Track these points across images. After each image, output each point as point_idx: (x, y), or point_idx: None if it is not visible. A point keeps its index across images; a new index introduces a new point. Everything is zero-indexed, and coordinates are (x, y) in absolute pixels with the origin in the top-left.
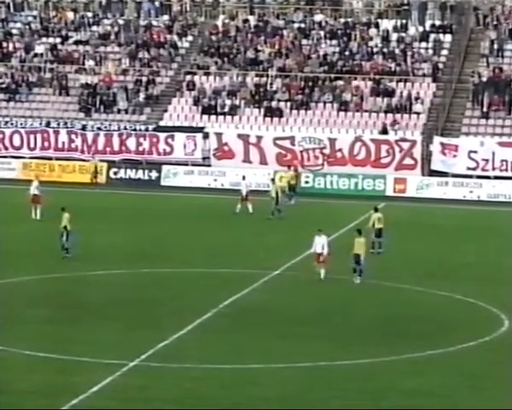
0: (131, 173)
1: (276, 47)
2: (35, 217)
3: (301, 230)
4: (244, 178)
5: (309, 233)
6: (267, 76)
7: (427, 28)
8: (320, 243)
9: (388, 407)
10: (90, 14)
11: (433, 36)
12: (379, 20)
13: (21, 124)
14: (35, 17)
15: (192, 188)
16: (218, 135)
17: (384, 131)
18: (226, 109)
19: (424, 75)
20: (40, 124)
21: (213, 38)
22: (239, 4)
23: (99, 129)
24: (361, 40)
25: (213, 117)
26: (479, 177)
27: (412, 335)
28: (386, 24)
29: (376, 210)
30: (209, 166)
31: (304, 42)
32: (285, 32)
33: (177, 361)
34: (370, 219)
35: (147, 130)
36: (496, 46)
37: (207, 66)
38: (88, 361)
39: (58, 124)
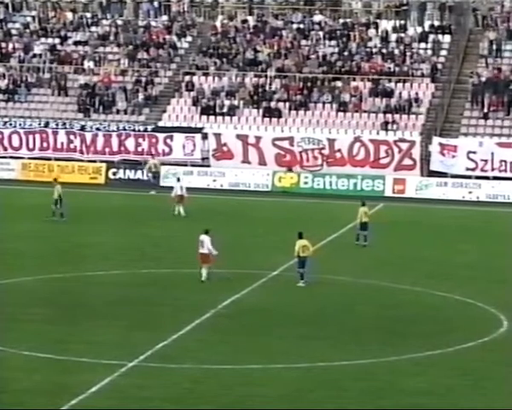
0: (130, 174)
1: (275, 47)
2: None
3: (299, 230)
4: (179, 179)
5: (308, 234)
6: (266, 76)
7: (426, 29)
8: (205, 243)
9: (387, 406)
10: (88, 15)
11: (432, 36)
12: (378, 21)
13: (20, 124)
14: (34, 17)
15: (191, 188)
16: (217, 135)
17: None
18: (225, 110)
19: (423, 76)
20: (39, 124)
21: (212, 38)
22: (238, 5)
23: (98, 129)
24: (360, 41)
25: (212, 117)
26: (478, 177)
27: (411, 335)
28: (385, 24)
29: (363, 204)
30: (208, 166)
31: (303, 42)
32: (284, 33)
33: (176, 362)
34: (358, 213)
35: (146, 130)
36: (495, 47)
37: (206, 66)
38: (87, 362)
39: (57, 124)
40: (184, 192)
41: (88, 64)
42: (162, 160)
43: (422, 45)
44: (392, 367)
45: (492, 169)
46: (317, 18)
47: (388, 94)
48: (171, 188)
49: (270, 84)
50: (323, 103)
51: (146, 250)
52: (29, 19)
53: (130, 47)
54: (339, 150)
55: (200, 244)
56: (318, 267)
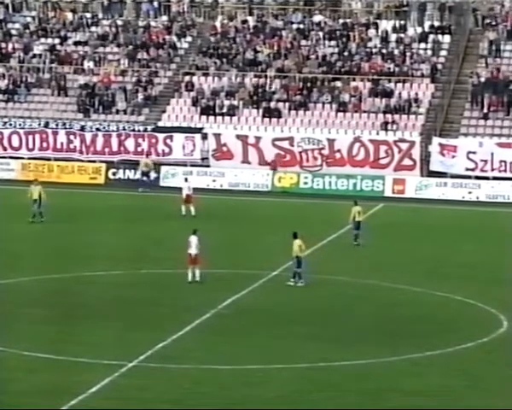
0: (130, 174)
1: (275, 48)
2: None
3: (299, 230)
4: (186, 179)
5: (307, 234)
6: (266, 77)
7: (426, 29)
8: (193, 244)
9: (387, 407)
10: (88, 15)
11: (431, 37)
12: (378, 21)
13: (20, 124)
14: (34, 18)
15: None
16: (217, 136)
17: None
18: (225, 110)
19: (423, 76)
20: (39, 124)
21: (212, 38)
22: (238, 5)
23: (98, 130)
24: (360, 41)
25: (212, 118)
26: (477, 177)
27: (411, 335)
28: (385, 25)
29: (356, 203)
30: (208, 166)
31: (303, 42)
32: (284, 33)
33: (176, 362)
34: (351, 212)
35: (145, 130)
36: (494, 47)
37: (206, 66)
38: (87, 362)
39: (57, 124)
40: (191, 192)
41: (88, 64)
42: (160, 160)
43: (422, 45)
44: (391, 367)
45: (492, 169)
46: (317, 18)
47: (388, 94)
48: (171, 188)
49: (270, 85)
50: (323, 103)
51: (146, 250)
52: (29, 19)
53: (130, 47)
54: (338, 150)
55: (188, 245)
56: (318, 268)
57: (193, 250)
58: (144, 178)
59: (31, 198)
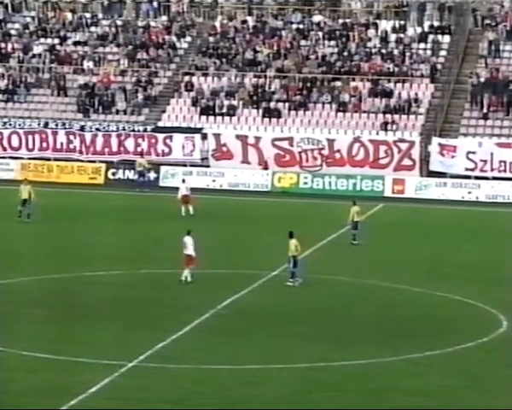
0: (130, 174)
1: (275, 48)
2: None
3: (299, 231)
4: (184, 181)
5: (307, 234)
6: (265, 77)
7: (426, 29)
8: (188, 245)
9: (387, 407)
10: (88, 15)
11: (431, 37)
12: (377, 21)
13: (19, 125)
14: (33, 18)
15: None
16: (217, 136)
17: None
18: (224, 110)
19: (422, 76)
20: (38, 124)
21: (212, 38)
22: (237, 5)
23: (97, 130)
24: (359, 41)
25: (212, 118)
26: (477, 178)
27: (411, 335)
28: (385, 25)
29: (354, 203)
30: (208, 166)
31: (302, 42)
32: (283, 33)
33: (176, 362)
34: (350, 212)
35: (145, 130)
36: (494, 47)
37: (206, 66)
38: (86, 362)
39: (56, 124)
40: (189, 192)
41: (87, 64)
42: (160, 160)
43: (422, 46)
44: (391, 367)
45: (492, 169)
46: (317, 18)
47: (388, 94)
48: (171, 188)
49: (270, 85)
50: (323, 104)
51: (146, 250)
52: (28, 19)
53: (130, 47)
54: (338, 151)
55: (184, 245)
56: (317, 268)
57: (190, 251)
58: (141, 179)
59: (20, 198)
